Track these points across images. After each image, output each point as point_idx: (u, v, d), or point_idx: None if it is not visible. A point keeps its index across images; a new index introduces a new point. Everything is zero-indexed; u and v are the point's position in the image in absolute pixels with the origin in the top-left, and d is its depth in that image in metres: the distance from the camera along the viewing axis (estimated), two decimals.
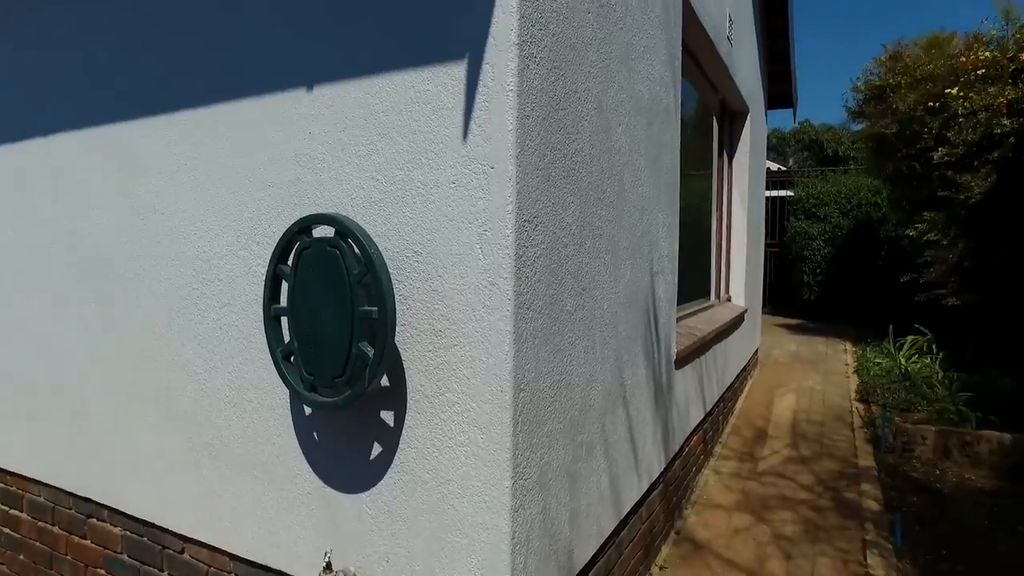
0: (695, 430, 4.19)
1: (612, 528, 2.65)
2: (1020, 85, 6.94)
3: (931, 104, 7.56)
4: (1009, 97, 6.89)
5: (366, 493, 2.03)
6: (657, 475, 3.29)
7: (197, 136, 2.32)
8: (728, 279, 6.23)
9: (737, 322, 5.82)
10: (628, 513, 2.86)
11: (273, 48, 2.11)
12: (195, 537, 2.46)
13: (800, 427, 5.66)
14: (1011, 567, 3.45)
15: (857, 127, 8.96)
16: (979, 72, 7.28)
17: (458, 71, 1.80)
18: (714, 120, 5.89)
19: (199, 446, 2.40)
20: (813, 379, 7.32)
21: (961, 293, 7.26)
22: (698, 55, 4.57)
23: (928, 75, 7.81)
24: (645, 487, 3.10)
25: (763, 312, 13.02)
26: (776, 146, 29.18)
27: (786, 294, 12.94)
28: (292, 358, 1.97)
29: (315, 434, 2.12)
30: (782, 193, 13.06)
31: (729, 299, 6.22)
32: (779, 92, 8.45)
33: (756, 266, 7.42)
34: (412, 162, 1.88)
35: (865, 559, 3.47)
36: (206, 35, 2.28)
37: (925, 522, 4.00)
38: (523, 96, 1.77)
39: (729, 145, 6.30)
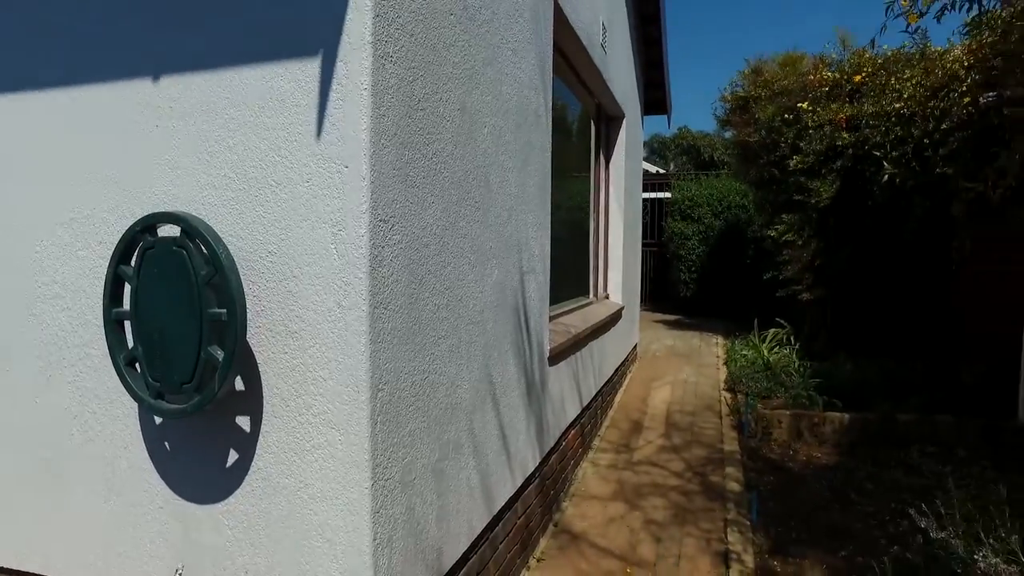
0: (572, 425, 4.33)
1: (485, 524, 2.69)
2: (855, 104, 7.68)
3: (787, 116, 8.21)
4: (847, 114, 7.60)
5: (223, 503, 1.95)
6: (532, 470, 3.37)
7: (28, 123, 2.14)
8: (606, 278, 6.48)
9: (614, 319, 6.06)
10: (502, 509, 2.92)
11: (117, 33, 1.98)
12: (24, 569, 2.25)
13: (673, 418, 5.98)
14: (840, 530, 3.85)
15: (726, 134, 9.61)
16: (824, 89, 7.99)
17: (312, 68, 1.77)
18: (591, 123, 6.11)
19: (34, 465, 2.21)
20: (687, 371, 7.76)
21: (813, 288, 7.94)
22: (573, 60, 4.73)
23: (784, 90, 8.48)
24: (520, 483, 3.17)
25: (643, 309, 13.65)
26: (658, 150, 30.61)
27: (664, 291, 13.63)
28: (137, 364, 1.86)
29: (167, 444, 2.01)
30: (660, 195, 13.75)
31: (607, 297, 6.47)
32: (654, 99, 8.88)
33: (634, 265, 7.76)
34: (266, 160, 1.83)
35: (726, 536, 3.72)
36: (39, 9, 2.10)
37: (778, 498, 4.34)
38: (378, 95, 1.76)
39: (606, 148, 6.56)
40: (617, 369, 6.48)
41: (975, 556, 2.36)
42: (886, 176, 6.20)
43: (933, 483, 4.53)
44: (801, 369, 6.82)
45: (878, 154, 6.60)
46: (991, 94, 4.39)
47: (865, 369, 6.79)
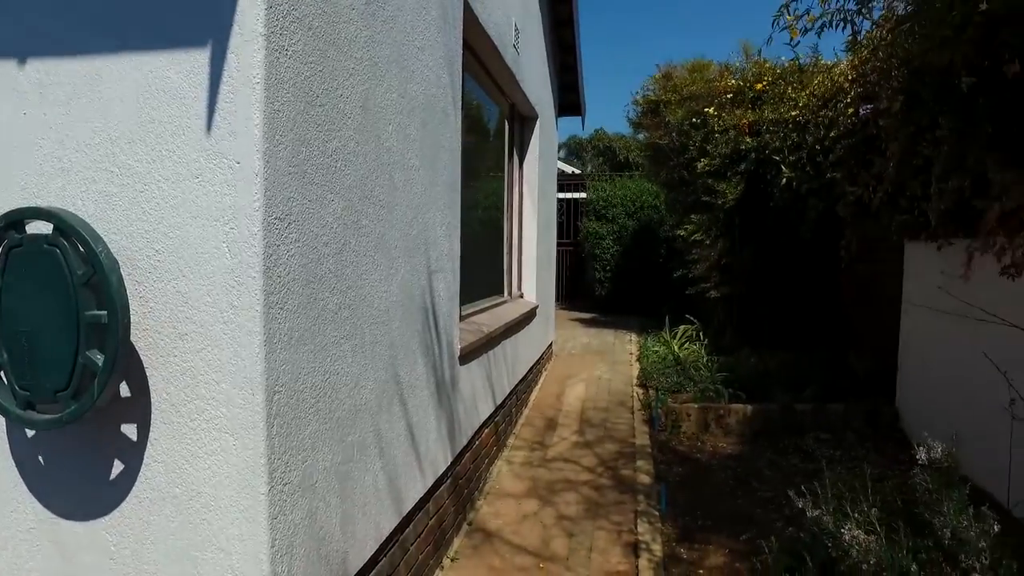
0: (485, 424, 4.35)
1: (394, 526, 2.66)
2: (757, 110, 8.09)
3: (695, 120, 8.55)
4: (750, 119, 8.00)
5: (106, 518, 1.84)
6: (444, 470, 3.36)
7: None
8: (520, 277, 6.54)
9: (529, 317, 6.13)
10: (412, 510, 2.89)
11: None
12: None
13: (587, 414, 6.11)
14: (742, 515, 4.04)
15: (639, 136, 9.91)
16: (728, 96, 8.37)
17: (201, 60, 1.70)
18: (505, 124, 6.15)
19: None
20: (601, 368, 7.94)
21: (720, 286, 8.30)
22: (485, 60, 4.74)
23: (692, 95, 8.82)
24: (431, 483, 3.15)
25: (559, 307, 13.89)
26: (575, 150, 31.17)
27: (581, 290, 13.91)
28: (2, 372, 1.73)
29: (40, 458, 1.88)
30: (576, 196, 14.01)
31: (521, 295, 6.54)
32: (569, 101, 9.06)
33: (549, 264, 7.87)
34: (153, 154, 1.74)
35: (636, 527, 3.84)
36: None
37: (686, 488, 4.52)
38: (272, 89, 1.71)
39: (520, 148, 6.62)
40: (532, 367, 6.56)
41: (842, 530, 2.56)
42: (784, 179, 6.56)
43: (823, 467, 4.84)
44: (709, 364, 7.12)
45: (777, 158, 6.96)
46: (868, 106, 4.73)
47: (767, 361, 7.16)
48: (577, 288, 14.00)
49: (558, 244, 14.26)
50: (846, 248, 5.68)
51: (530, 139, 6.72)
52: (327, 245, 2.01)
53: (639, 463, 4.86)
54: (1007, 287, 3.77)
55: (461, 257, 3.78)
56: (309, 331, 1.91)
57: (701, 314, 9.21)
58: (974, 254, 3.94)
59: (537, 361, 6.90)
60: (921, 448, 2.96)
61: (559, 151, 23.21)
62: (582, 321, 11.86)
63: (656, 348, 8.08)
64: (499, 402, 4.80)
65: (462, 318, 4.04)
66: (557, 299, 14.02)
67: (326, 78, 1.99)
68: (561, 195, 14.05)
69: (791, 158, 6.76)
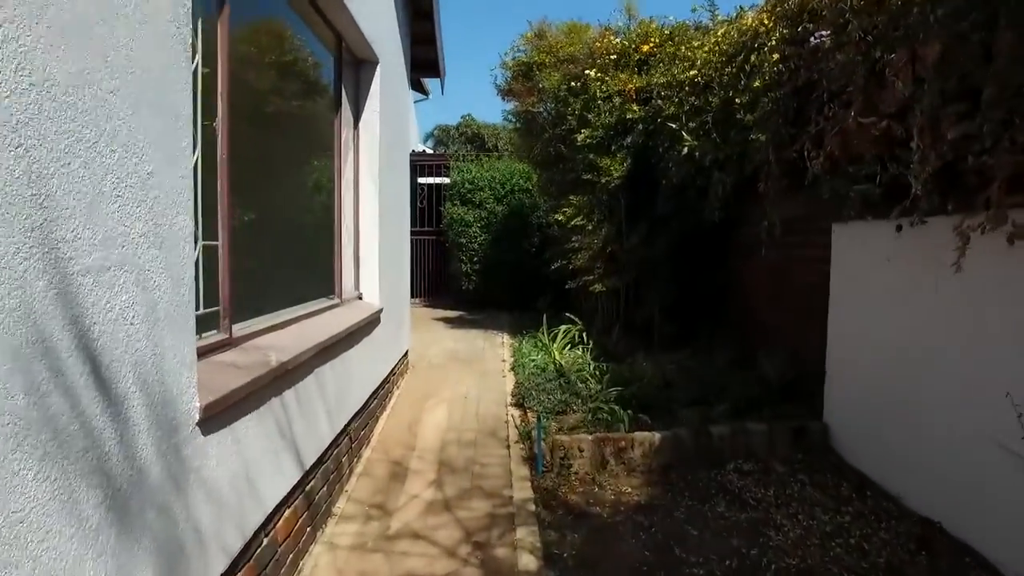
0: (276, 512, 2.69)
1: None
2: (643, 75, 6.96)
3: (573, 84, 7.27)
4: (636, 85, 6.85)
5: None
6: None
7: None
8: (358, 273, 4.89)
9: (369, 325, 4.51)
10: None
11: None
12: None
13: (449, 452, 4.59)
14: None
15: (508, 106, 8.53)
16: (611, 57, 7.17)
17: None
18: (333, 65, 4.47)
19: None
20: (468, 383, 6.45)
21: (605, 278, 7.10)
22: None
23: (570, 56, 7.55)
24: None
25: (421, 304, 12.30)
26: (440, 139, 29.53)
27: (445, 285, 12.39)
28: None
29: None
30: (439, 180, 12.40)
31: (360, 297, 4.89)
32: (425, 58, 7.46)
33: (400, 254, 6.26)
34: None
35: None
36: None
37: (589, 569, 3.14)
38: None
39: (354, 103, 4.95)
40: (377, 390, 4.94)
41: None
42: (685, 149, 5.39)
43: (760, 515, 3.69)
44: (597, 373, 5.86)
45: (674, 126, 5.80)
46: (823, 32, 3.55)
47: (664, 368, 6.02)
48: (441, 282, 12.45)
49: (420, 232, 12.61)
50: (767, 230, 4.57)
51: (368, 91, 5.06)
52: None
53: (520, 533, 3.42)
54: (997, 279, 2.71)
55: (230, 245, 2.14)
56: None
57: (583, 311, 7.99)
58: (971, 233, 2.83)
59: (385, 380, 5.28)
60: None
61: (424, 142, 21.34)
62: (447, 321, 10.33)
63: (533, 355, 6.72)
64: (312, 462, 3.16)
65: (226, 344, 2.38)
66: (417, 295, 12.40)
67: None
68: (423, 180, 12.41)
69: (691, 124, 5.62)
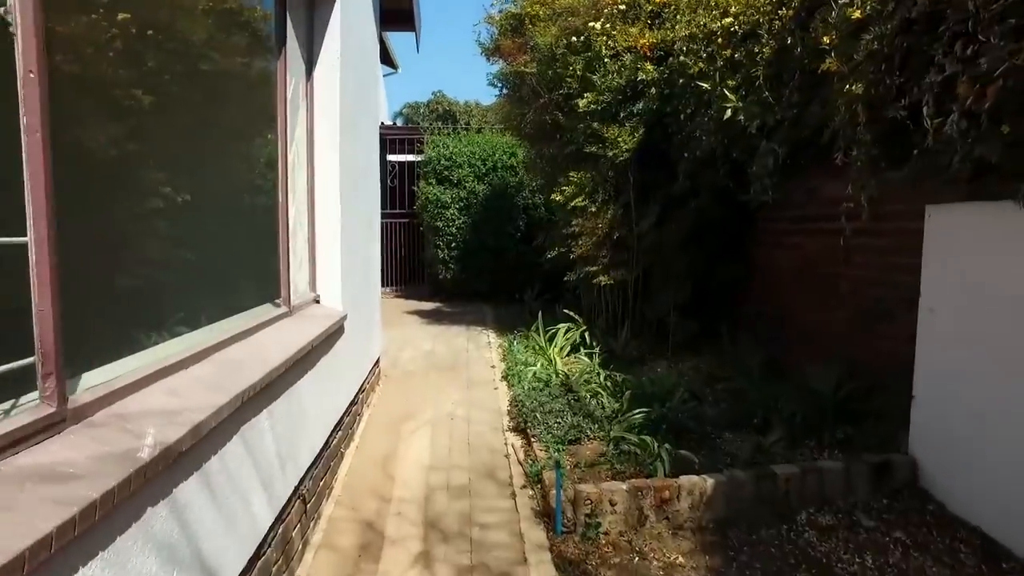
0: None
1: None
2: (657, 29, 5.88)
3: (574, 40, 6.15)
4: (650, 41, 5.78)
5: None
6: None
7: None
8: (313, 269, 3.74)
9: (326, 341, 3.39)
10: None
11: None
12: None
13: (436, 504, 3.51)
14: None
15: (494, 68, 7.35)
16: (620, 7, 6.07)
17: None
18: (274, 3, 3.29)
19: None
20: (453, 397, 5.36)
21: (612, 268, 6.05)
22: None
23: (569, 7, 6.41)
24: None
25: (395, 295, 11.13)
26: (411, 117, 28.07)
27: (421, 273, 11.23)
28: None
29: None
30: (412, 158, 11.16)
31: (317, 300, 3.74)
32: (397, 8, 6.25)
33: (367, 243, 5.11)
34: None
35: None
36: None
37: None
38: None
39: (306, 49, 3.77)
40: (340, 423, 3.83)
41: None
42: (728, 112, 4.33)
43: None
44: (610, 385, 4.83)
45: (705, 85, 4.74)
46: None
47: (690, 379, 5.03)
48: (415, 270, 11.29)
49: (390, 216, 11.37)
50: (849, 213, 3.55)
51: (326, 31, 3.88)
52: None
53: None
54: None
55: (54, 242, 1.09)
56: None
57: (583, 306, 6.95)
58: None
59: (352, 403, 4.17)
60: None
61: (393, 120, 19.75)
62: (422, 315, 9.18)
63: (531, 364, 5.64)
64: (240, 569, 2.05)
65: (53, 425, 1.26)
66: (388, 284, 11.23)
67: None
68: (393, 158, 11.17)
69: (729, 83, 4.56)
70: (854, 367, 4.36)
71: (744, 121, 4.28)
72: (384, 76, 21.56)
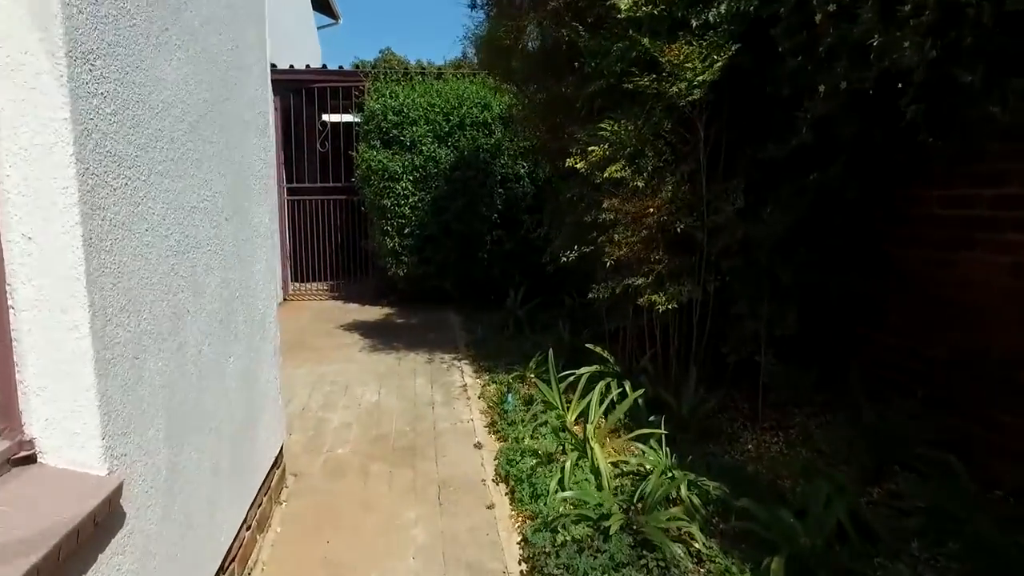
0: None
1: None
2: None
3: None
4: None
5: None
6: None
7: None
8: (11, 370, 1.25)
9: None
10: None
11: None
12: None
13: None
14: None
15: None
16: None
17: None
18: None
19: None
20: (416, 534, 2.93)
21: (670, 282, 3.70)
22: None
23: None
24: None
25: (329, 296, 8.47)
26: None
27: (362, 267, 8.64)
28: None
29: None
30: (350, 118, 8.43)
31: (30, 457, 1.25)
32: None
33: (226, 255, 2.58)
34: None
35: None
36: None
37: None
38: None
39: None
40: None
41: None
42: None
43: None
44: (705, 509, 2.51)
45: None
46: None
47: (824, 471, 2.76)
48: (359, 261, 8.70)
49: (321, 191, 8.56)
50: None
51: None
52: None
53: None
54: None
55: None
56: None
57: (609, 333, 4.62)
58: None
59: None
60: None
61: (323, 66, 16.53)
62: (365, 331, 6.64)
63: (546, 450, 3.24)
64: None
65: None
66: (319, 278, 8.63)
67: None
68: (328, 117, 8.41)
69: None
70: None
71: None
72: (321, 28, 18.49)
